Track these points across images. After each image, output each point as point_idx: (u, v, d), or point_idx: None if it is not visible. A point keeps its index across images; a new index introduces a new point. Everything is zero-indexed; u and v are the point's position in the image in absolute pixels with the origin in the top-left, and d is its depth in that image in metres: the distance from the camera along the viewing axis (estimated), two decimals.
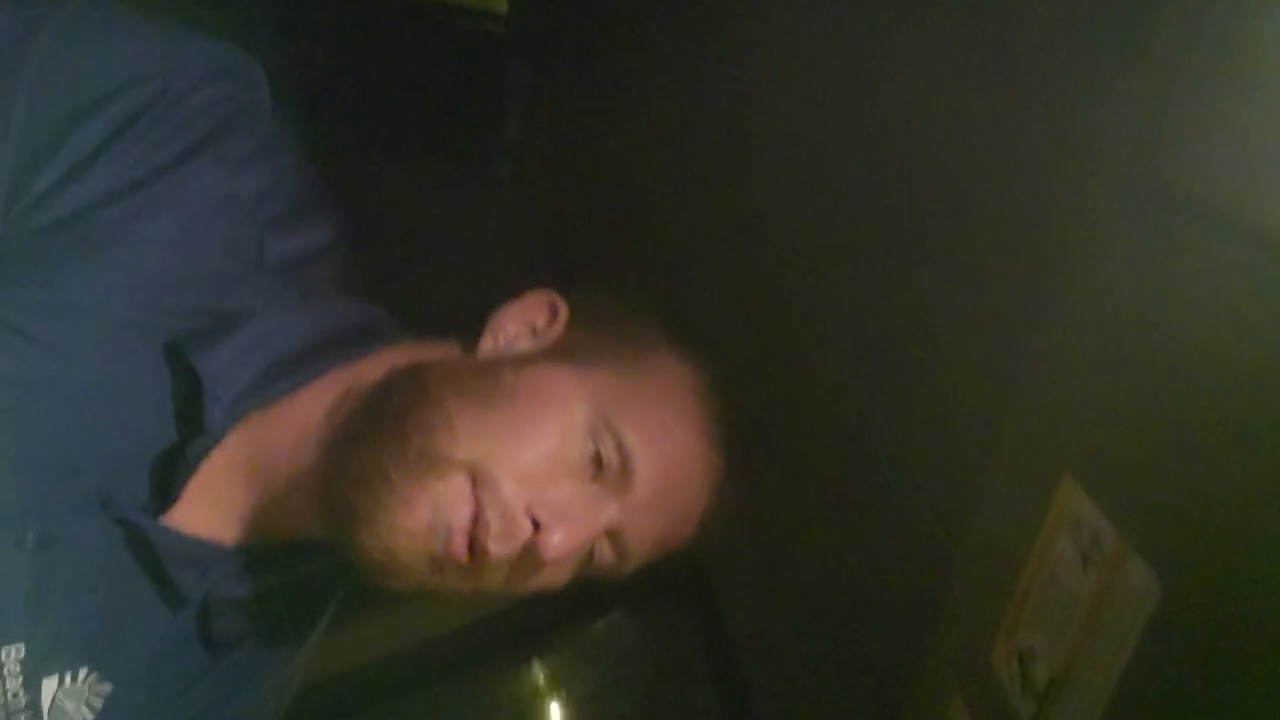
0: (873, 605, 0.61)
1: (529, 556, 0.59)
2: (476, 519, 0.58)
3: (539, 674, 0.86)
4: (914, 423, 0.56)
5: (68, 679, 0.60)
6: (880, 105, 0.58)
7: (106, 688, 0.62)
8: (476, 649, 0.85)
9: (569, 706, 0.87)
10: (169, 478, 0.61)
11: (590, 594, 0.84)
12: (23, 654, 0.59)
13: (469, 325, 0.69)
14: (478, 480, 0.58)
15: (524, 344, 0.66)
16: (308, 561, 0.67)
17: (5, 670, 0.59)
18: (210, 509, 0.63)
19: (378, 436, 0.60)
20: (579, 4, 1.07)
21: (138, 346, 0.60)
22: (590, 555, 0.63)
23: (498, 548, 0.58)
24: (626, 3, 0.95)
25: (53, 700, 0.60)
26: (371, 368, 0.66)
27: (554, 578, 0.63)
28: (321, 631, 0.75)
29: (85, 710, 0.62)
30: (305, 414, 0.64)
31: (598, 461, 0.60)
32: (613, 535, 0.62)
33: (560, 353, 0.65)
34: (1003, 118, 0.47)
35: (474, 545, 0.58)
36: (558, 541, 0.58)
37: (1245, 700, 0.33)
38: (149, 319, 0.60)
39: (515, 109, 1.10)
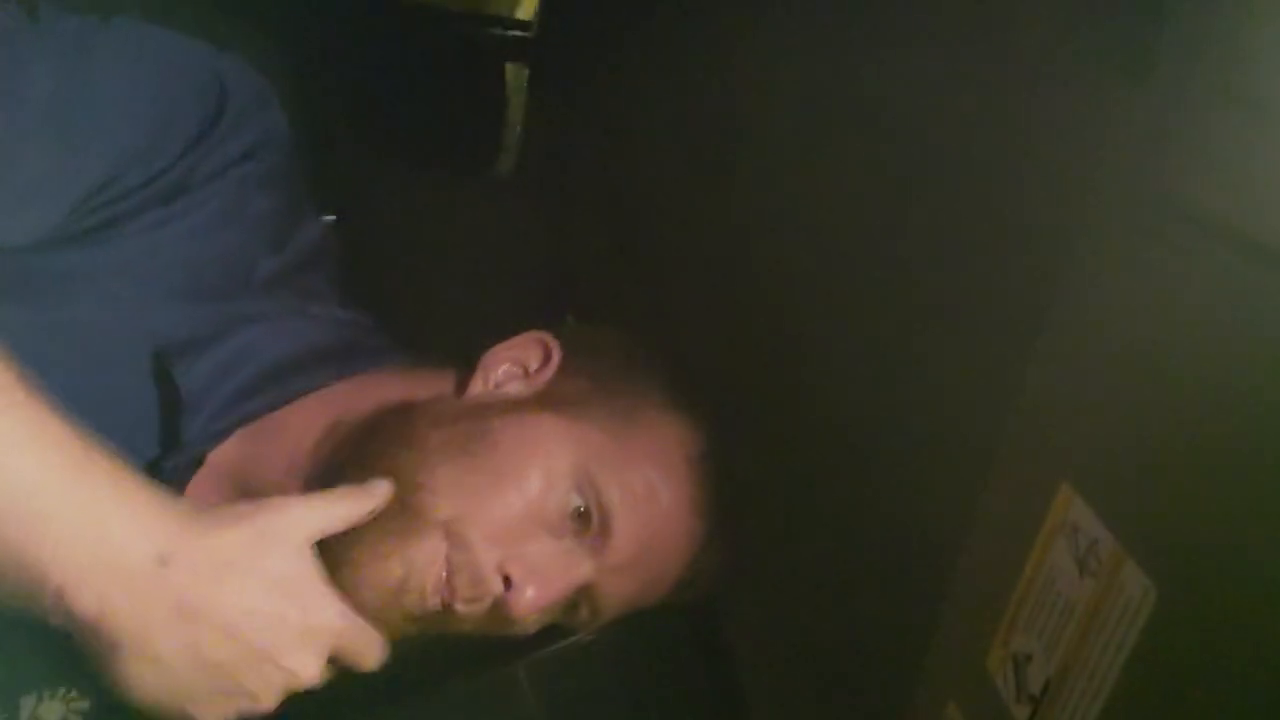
0: (868, 612, 0.61)
1: (499, 611, 0.59)
2: (447, 579, 0.58)
3: (527, 679, 0.86)
4: (911, 430, 0.56)
5: (45, 695, 0.60)
6: (885, 120, 0.58)
7: (85, 704, 0.62)
8: (464, 655, 0.85)
9: (559, 713, 0.86)
10: None
11: None
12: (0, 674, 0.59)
13: (464, 346, 0.68)
14: (451, 541, 0.58)
15: (514, 386, 0.66)
16: None
17: None
18: None
19: (355, 478, 0.59)
20: (582, 7, 1.07)
21: (126, 357, 0.60)
22: (562, 609, 0.63)
23: (466, 608, 0.58)
24: (630, 7, 0.95)
25: (31, 714, 0.60)
26: (361, 395, 0.65)
27: (523, 627, 0.62)
28: None
29: None
30: (295, 439, 0.64)
31: (578, 517, 0.60)
32: (586, 592, 0.62)
33: (550, 401, 0.64)
34: (1006, 131, 0.48)
35: (443, 599, 0.58)
36: (529, 599, 0.58)
37: (1240, 708, 0.34)
38: (141, 330, 0.60)
39: (515, 110, 1.10)
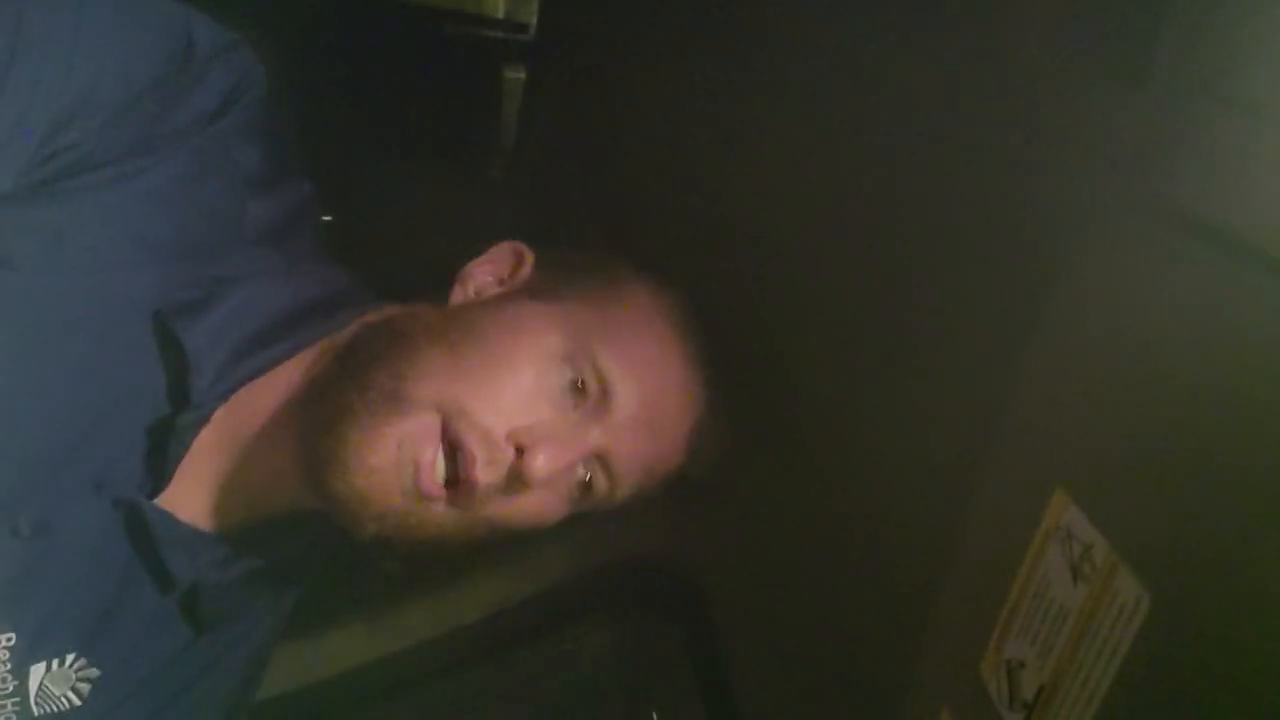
0: (861, 617, 0.61)
1: (515, 481, 0.59)
2: (459, 450, 0.58)
3: (521, 680, 0.86)
4: (905, 434, 0.56)
5: (54, 664, 0.60)
6: (878, 121, 0.58)
7: (94, 672, 0.62)
8: (459, 655, 0.84)
9: (552, 714, 0.86)
10: (161, 457, 0.61)
11: (573, 601, 0.84)
12: (13, 641, 0.58)
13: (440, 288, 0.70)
14: (450, 415, 0.59)
15: (493, 292, 0.68)
16: (290, 537, 0.67)
17: None
18: (198, 489, 0.63)
19: (343, 381, 0.61)
20: (576, 6, 1.07)
21: (127, 321, 0.59)
22: (581, 485, 0.63)
23: (485, 475, 0.58)
24: (628, 11, 0.95)
25: (39, 685, 0.60)
26: (349, 330, 0.67)
27: (547, 509, 0.63)
28: (292, 602, 0.75)
29: (71, 694, 0.62)
30: (286, 381, 0.65)
31: (577, 390, 0.61)
32: (600, 459, 0.63)
33: (530, 291, 0.67)
34: (1002, 134, 0.48)
35: (459, 478, 0.59)
36: (543, 462, 0.58)
37: (1234, 715, 0.33)
38: (135, 290, 0.59)
39: (511, 112, 1.10)
